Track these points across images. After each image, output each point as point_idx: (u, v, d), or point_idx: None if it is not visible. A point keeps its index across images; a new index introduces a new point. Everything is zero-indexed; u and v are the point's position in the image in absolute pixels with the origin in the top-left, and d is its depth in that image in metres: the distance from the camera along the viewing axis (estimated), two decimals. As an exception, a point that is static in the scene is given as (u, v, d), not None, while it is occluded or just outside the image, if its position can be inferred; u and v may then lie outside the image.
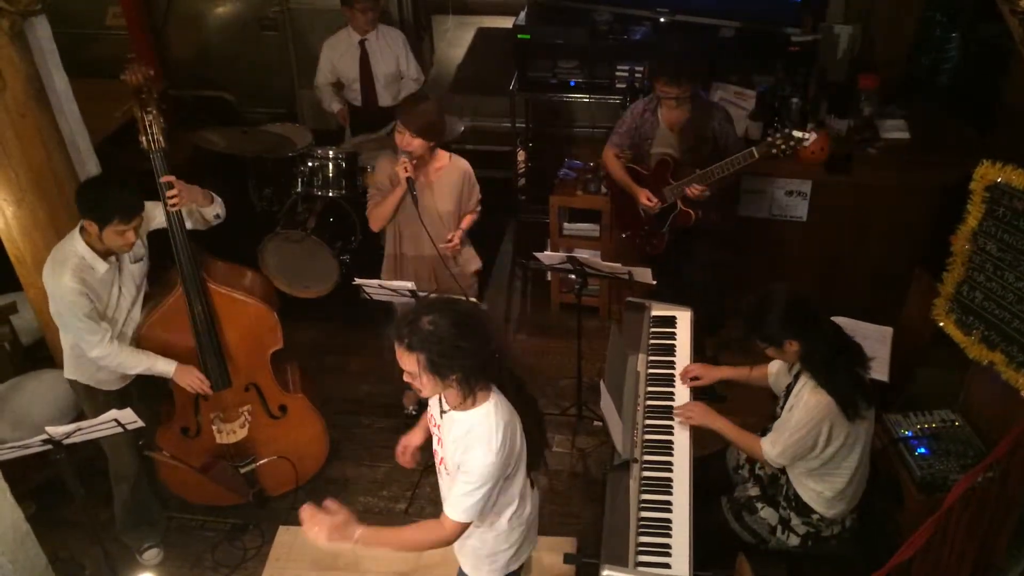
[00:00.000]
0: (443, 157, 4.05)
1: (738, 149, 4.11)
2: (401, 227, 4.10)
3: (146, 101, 3.44)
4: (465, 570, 2.96)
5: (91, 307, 3.41)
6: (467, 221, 4.16)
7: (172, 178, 3.50)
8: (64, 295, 3.36)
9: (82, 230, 3.39)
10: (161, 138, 3.48)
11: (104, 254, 3.44)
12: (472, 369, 2.42)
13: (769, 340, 3.12)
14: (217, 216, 3.78)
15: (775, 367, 3.47)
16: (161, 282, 3.80)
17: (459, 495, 2.55)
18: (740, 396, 4.20)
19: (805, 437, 3.07)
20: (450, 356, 2.37)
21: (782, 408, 3.28)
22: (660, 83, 4.11)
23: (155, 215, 3.59)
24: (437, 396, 2.64)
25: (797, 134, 3.88)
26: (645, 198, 4.31)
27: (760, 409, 3.70)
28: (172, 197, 3.50)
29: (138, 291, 3.66)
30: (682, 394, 3.60)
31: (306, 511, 2.57)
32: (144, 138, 3.47)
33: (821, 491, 3.22)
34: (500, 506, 2.72)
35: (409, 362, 2.41)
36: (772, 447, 3.17)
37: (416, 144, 3.82)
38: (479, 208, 4.20)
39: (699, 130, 4.24)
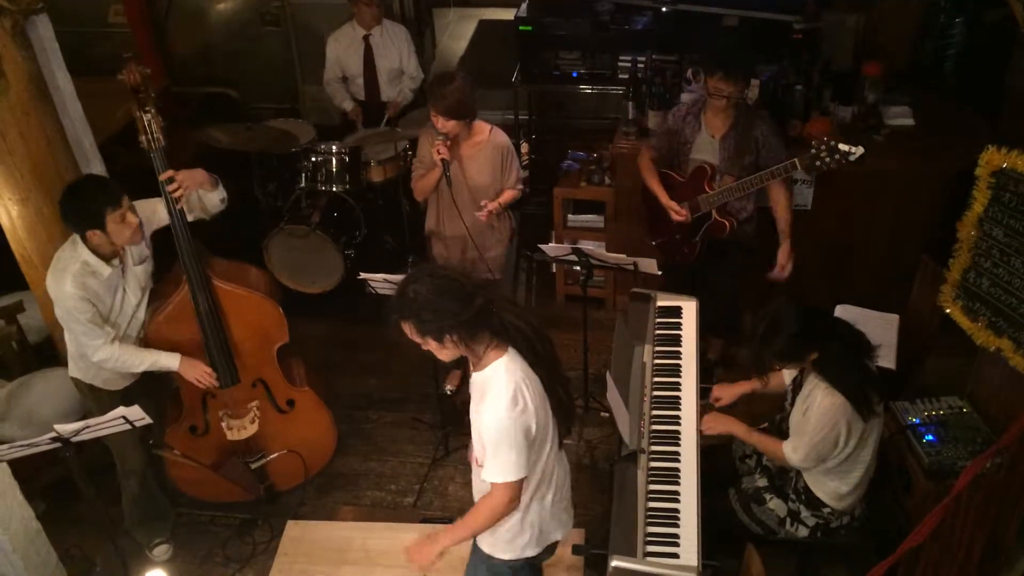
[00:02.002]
0: (483, 130, 4.13)
1: (780, 157, 4.00)
2: (439, 205, 4.21)
3: (144, 100, 3.43)
4: (481, 546, 2.95)
5: (93, 312, 3.41)
6: (506, 196, 4.20)
7: (171, 172, 3.49)
8: (65, 301, 3.35)
9: (84, 239, 3.36)
10: (160, 136, 3.47)
11: (108, 257, 3.43)
12: (463, 326, 2.51)
13: (789, 359, 3.14)
14: (223, 200, 3.76)
15: (787, 370, 3.47)
16: (166, 281, 3.80)
17: (490, 458, 2.61)
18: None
19: (826, 439, 3.08)
20: (435, 318, 2.49)
21: (791, 404, 3.27)
22: (715, 79, 3.92)
23: (158, 214, 3.59)
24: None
25: (844, 147, 3.71)
26: (674, 212, 4.18)
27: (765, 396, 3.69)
28: (175, 190, 3.49)
29: (143, 293, 3.65)
30: (689, 384, 3.59)
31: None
32: (144, 137, 3.46)
33: (836, 487, 3.22)
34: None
35: (408, 331, 2.56)
36: (794, 452, 3.17)
37: (451, 125, 3.92)
38: (521, 186, 4.26)
39: (742, 138, 4.08)
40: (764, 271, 4.32)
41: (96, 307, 3.42)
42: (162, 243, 3.68)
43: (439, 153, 3.94)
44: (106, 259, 3.42)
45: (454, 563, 3.48)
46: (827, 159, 3.76)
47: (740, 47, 4.51)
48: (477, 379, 2.66)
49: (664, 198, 4.24)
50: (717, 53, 4.09)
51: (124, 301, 3.56)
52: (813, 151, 3.79)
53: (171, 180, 3.49)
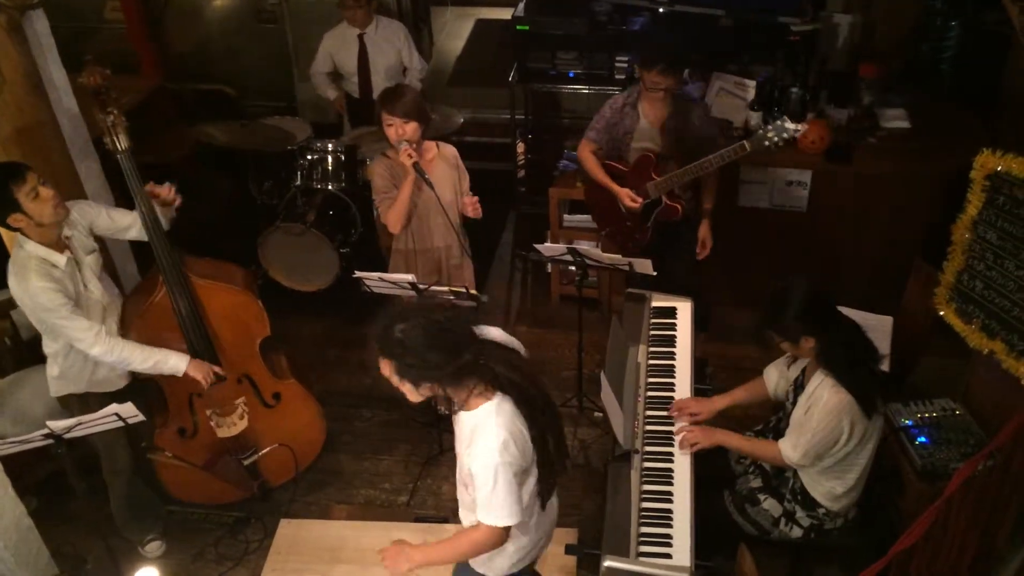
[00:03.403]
0: (431, 147, 4.05)
1: (718, 135, 4.13)
2: (413, 221, 4.08)
3: (106, 102, 3.38)
4: (472, 564, 2.94)
5: (71, 303, 3.32)
6: (472, 203, 4.08)
7: (152, 186, 3.47)
8: (37, 297, 3.26)
9: (24, 235, 3.28)
10: (125, 138, 3.42)
11: (57, 246, 3.34)
12: (444, 379, 2.46)
13: (785, 334, 3.11)
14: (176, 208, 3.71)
15: (772, 376, 3.47)
16: (143, 283, 3.77)
17: (485, 499, 2.56)
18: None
19: (827, 437, 3.07)
20: (418, 366, 2.44)
21: (793, 404, 3.26)
22: (653, 74, 4.02)
23: (101, 219, 3.54)
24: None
25: (790, 126, 3.80)
26: (628, 198, 4.25)
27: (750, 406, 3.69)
28: (158, 196, 3.47)
29: (103, 284, 3.57)
30: (683, 385, 3.59)
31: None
32: (108, 139, 3.41)
33: (832, 487, 3.22)
34: None
35: (384, 366, 2.51)
36: (793, 450, 3.15)
37: (411, 128, 3.81)
38: (471, 193, 4.15)
39: (681, 123, 4.20)
40: (733, 257, 4.49)
41: (69, 299, 3.33)
42: (142, 244, 3.64)
43: (411, 157, 3.80)
44: (56, 249, 3.33)
45: (451, 565, 3.49)
46: (774, 138, 3.84)
47: (676, 41, 4.61)
48: (465, 419, 2.60)
49: (613, 186, 4.31)
50: (653, 47, 4.16)
51: (88, 295, 3.48)
52: (760, 132, 3.89)
53: (155, 193, 3.47)
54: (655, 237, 4.41)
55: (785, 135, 3.83)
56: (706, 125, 4.26)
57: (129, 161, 3.44)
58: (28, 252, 3.28)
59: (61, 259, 3.33)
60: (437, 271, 4.20)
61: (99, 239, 3.64)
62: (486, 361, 2.51)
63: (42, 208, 3.22)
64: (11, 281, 3.31)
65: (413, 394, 2.55)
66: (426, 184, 3.89)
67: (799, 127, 3.84)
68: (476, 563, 2.87)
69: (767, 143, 3.87)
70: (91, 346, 3.40)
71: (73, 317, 3.34)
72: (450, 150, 4.11)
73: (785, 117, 3.90)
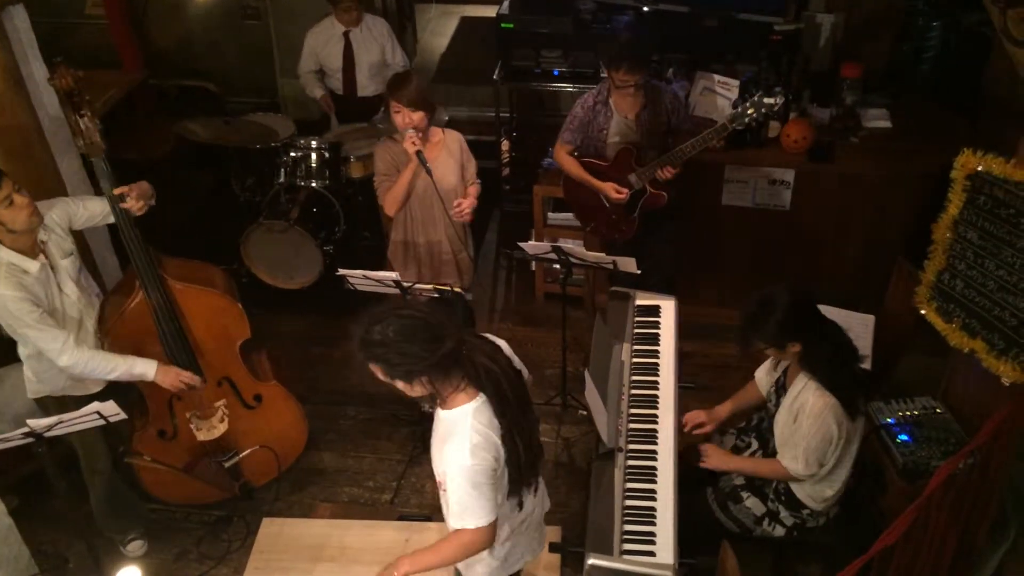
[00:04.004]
0: (437, 133, 4.12)
1: (689, 119, 4.18)
2: (414, 210, 4.13)
3: (78, 104, 3.33)
4: (458, 566, 2.94)
5: (39, 312, 3.26)
6: (473, 191, 4.19)
7: (124, 189, 3.42)
8: (7, 305, 3.21)
9: None
10: (99, 139, 3.37)
11: (30, 252, 3.29)
12: (431, 369, 2.45)
13: (770, 341, 3.12)
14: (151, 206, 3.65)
15: (763, 379, 3.49)
16: (119, 286, 3.73)
17: (455, 504, 2.56)
18: (725, 386, 4.22)
19: (822, 440, 3.09)
20: (401, 362, 2.43)
21: (776, 406, 3.28)
22: (620, 73, 4.04)
23: (77, 212, 3.50)
24: None
25: (768, 100, 3.88)
26: (613, 191, 4.28)
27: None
28: (130, 206, 3.41)
29: (82, 289, 3.53)
30: (667, 383, 3.60)
31: None
32: (81, 141, 3.36)
33: (820, 490, 3.24)
34: None
35: (375, 371, 2.50)
36: (795, 462, 3.16)
37: (417, 117, 3.88)
38: (478, 180, 4.24)
39: (655, 111, 4.25)
40: (716, 255, 4.49)
41: (40, 307, 3.27)
42: (117, 237, 3.60)
43: (415, 144, 3.87)
44: (28, 255, 3.28)
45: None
46: (752, 112, 3.93)
47: (635, 37, 4.65)
48: (443, 416, 2.60)
49: (597, 183, 4.34)
50: (617, 47, 4.19)
51: (63, 299, 3.43)
52: (738, 109, 3.97)
53: (123, 197, 3.41)
54: (641, 227, 4.44)
55: (763, 109, 3.91)
56: (677, 108, 4.32)
57: (103, 163, 3.39)
58: None
59: (34, 265, 3.28)
60: (435, 263, 4.24)
61: (77, 235, 3.59)
62: (468, 351, 2.51)
63: (16, 215, 3.16)
64: None
65: (409, 391, 2.55)
66: (426, 172, 3.93)
67: (776, 100, 3.90)
68: (462, 567, 2.87)
69: (746, 119, 3.94)
70: (58, 355, 3.35)
71: (41, 327, 3.28)
72: (455, 136, 4.16)
73: (760, 92, 3.96)
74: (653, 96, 4.25)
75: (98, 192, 3.59)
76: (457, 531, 2.62)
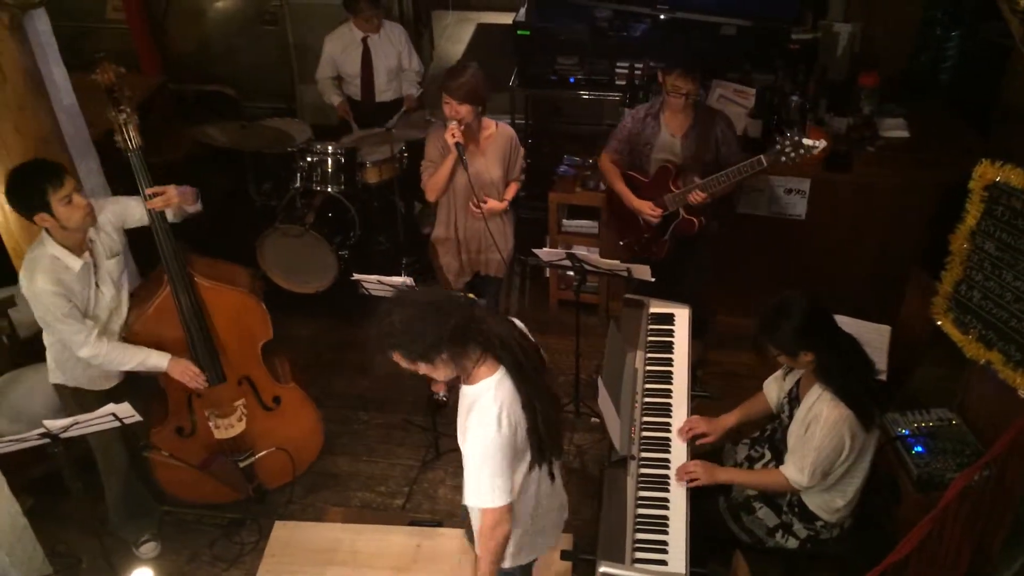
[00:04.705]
0: (490, 125, 4.18)
1: (738, 154, 4.07)
2: (455, 200, 4.22)
3: (118, 99, 3.40)
4: (476, 549, 2.95)
5: (70, 307, 3.35)
6: (511, 191, 4.27)
7: (157, 189, 3.48)
8: (40, 298, 3.30)
9: (48, 233, 3.33)
10: (137, 136, 3.44)
11: (77, 249, 3.38)
12: (446, 344, 2.49)
13: (783, 348, 3.10)
14: (197, 212, 3.73)
15: (772, 389, 3.46)
16: (148, 281, 3.78)
17: (469, 480, 2.61)
18: (739, 394, 4.20)
19: (830, 454, 3.05)
20: (418, 341, 2.48)
21: (789, 417, 3.25)
22: (673, 76, 4.00)
23: (131, 211, 3.56)
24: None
25: (807, 142, 3.76)
26: (648, 209, 4.22)
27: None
28: (156, 205, 3.47)
29: (118, 289, 3.60)
30: (680, 391, 3.59)
31: None
32: (119, 137, 3.44)
33: (832, 500, 3.21)
34: None
35: (399, 360, 2.55)
36: (799, 472, 3.12)
37: (464, 111, 3.94)
38: (523, 177, 4.32)
39: (702, 136, 4.16)
40: (731, 264, 4.38)
41: (73, 302, 3.37)
42: (145, 242, 3.65)
43: (453, 136, 3.94)
44: (75, 252, 3.37)
45: (444, 569, 3.49)
46: (791, 154, 3.82)
47: (696, 47, 4.59)
48: (467, 391, 2.65)
49: (632, 199, 4.29)
50: (674, 51, 4.13)
51: (99, 296, 3.51)
52: (778, 147, 3.84)
53: (156, 194, 3.47)
54: (672, 250, 4.38)
55: (801, 150, 3.79)
56: (728, 139, 4.19)
57: (140, 160, 3.47)
58: (45, 250, 3.33)
59: (77, 263, 3.37)
60: (474, 254, 4.36)
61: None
62: (479, 323, 2.57)
63: (72, 214, 3.26)
64: (21, 273, 3.37)
65: (435, 373, 2.58)
66: (462, 166, 4.00)
67: (816, 143, 3.77)
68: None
69: (783, 158, 3.83)
70: (80, 347, 3.43)
71: (69, 320, 3.36)
72: (507, 132, 4.22)
73: (799, 130, 3.88)
74: (704, 118, 4.17)
75: (126, 192, 3.64)
76: (479, 535, 2.68)
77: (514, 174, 4.28)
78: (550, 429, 2.69)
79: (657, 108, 4.25)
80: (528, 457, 2.67)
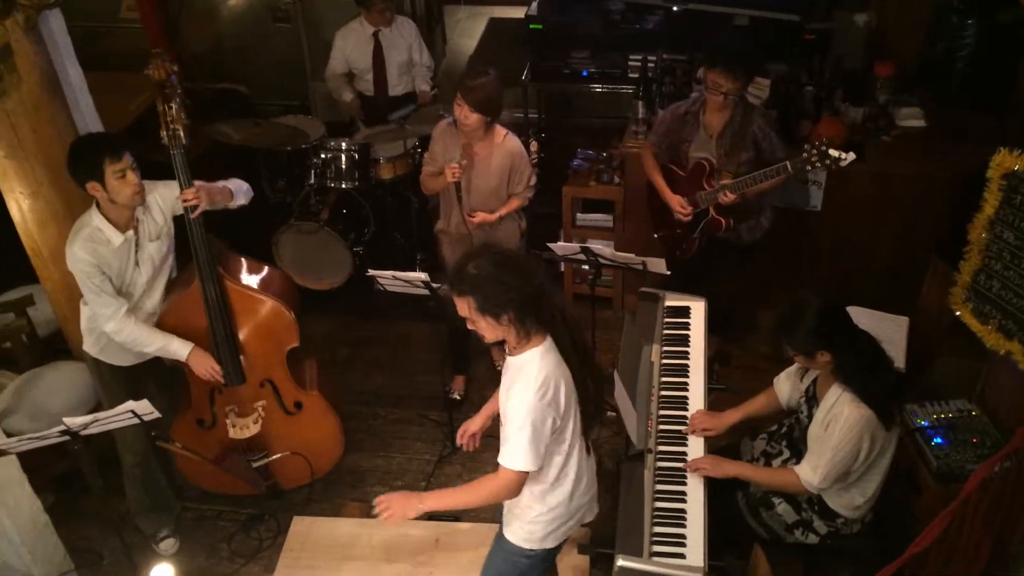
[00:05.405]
0: (499, 134, 4.13)
1: (782, 149, 4.06)
2: (449, 204, 4.23)
3: (169, 96, 3.47)
4: (505, 532, 2.97)
5: (103, 279, 3.43)
6: (511, 205, 4.21)
7: (195, 188, 3.52)
8: (75, 264, 3.40)
9: (97, 205, 3.42)
10: (182, 134, 3.50)
11: (123, 225, 3.45)
12: (520, 305, 2.53)
13: (799, 348, 3.07)
14: (241, 206, 3.82)
15: (783, 386, 3.44)
16: (184, 273, 3.81)
17: (505, 440, 2.65)
18: (755, 388, 4.19)
19: (848, 456, 3.01)
20: (496, 294, 2.52)
21: (809, 418, 3.22)
22: (714, 73, 3.95)
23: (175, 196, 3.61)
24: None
25: (834, 153, 3.72)
26: (679, 205, 4.21)
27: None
28: (190, 200, 3.50)
29: (156, 272, 3.65)
30: (697, 385, 3.59)
31: (380, 503, 2.82)
32: (164, 133, 3.49)
33: (852, 499, 3.18)
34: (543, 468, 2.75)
35: (463, 307, 2.59)
36: (812, 472, 3.07)
37: (473, 119, 3.92)
38: (530, 195, 4.28)
39: (739, 135, 4.11)
40: (762, 272, 4.32)
41: (106, 275, 3.44)
42: (184, 235, 3.67)
43: (454, 176, 3.97)
44: (119, 228, 3.44)
45: (463, 563, 3.50)
46: (817, 163, 3.78)
47: (743, 45, 4.52)
48: (512, 363, 2.68)
49: (667, 194, 4.27)
50: (717, 48, 4.09)
51: (135, 275, 3.57)
52: (804, 155, 3.80)
53: (192, 193, 3.51)
54: (702, 249, 4.35)
55: (828, 161, 3.75)
56: (768, 136, 4.12)
57: (183, 158, 3.52)
58: (91, 220, 3.42)
59: (118, 238, 3.45)
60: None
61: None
62: (549, 295, 2.62)
63: (123, 188, 3.34)
64: (68, 239, 3.44)
65: (492, 330, 2.61)
66: (457, 201, 4.07)
67: (845, 156, 3.73)
68: (512, 535, 2.92)
69: (809, 168, 3.81)
70: (106, 321, 3.50)
71: (100, 293, 3.45)
72: (513, 147, 4.14)
73: (826, 141, 3.81)
74: (742, 118, 4.10)
75: None
76: (489, 477, 2.72)
77: (517, 189, 4.21)
78: (596, 400, 2.79)
79: (699, 106, 4.20)
80: (571, 431, 2.72)
